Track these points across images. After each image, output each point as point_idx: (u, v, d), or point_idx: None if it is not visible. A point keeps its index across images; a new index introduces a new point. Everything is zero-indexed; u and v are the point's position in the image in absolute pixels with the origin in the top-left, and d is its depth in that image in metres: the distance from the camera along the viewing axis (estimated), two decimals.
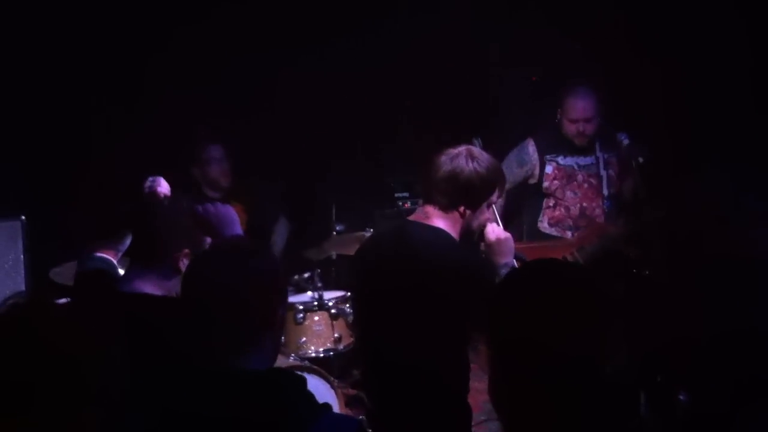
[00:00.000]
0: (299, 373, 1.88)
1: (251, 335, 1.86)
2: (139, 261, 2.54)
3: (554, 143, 4.37)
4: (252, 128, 5.13)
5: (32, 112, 4.58)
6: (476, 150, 2.82)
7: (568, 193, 4.38)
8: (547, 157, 4.38)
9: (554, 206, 4.43)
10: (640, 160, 4.08)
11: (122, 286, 2.52)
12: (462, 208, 2.77)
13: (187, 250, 2.47)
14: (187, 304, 1.92)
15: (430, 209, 2.80)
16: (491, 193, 2.82)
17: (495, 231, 2.88)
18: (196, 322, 1.88)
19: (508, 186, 4.27)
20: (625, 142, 4.17)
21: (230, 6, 4.96)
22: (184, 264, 2.46)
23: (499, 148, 4.34)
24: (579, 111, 4.27)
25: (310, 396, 1.79)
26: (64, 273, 3.62)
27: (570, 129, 4.31)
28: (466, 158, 2.76)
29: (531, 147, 4.39)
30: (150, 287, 2.47)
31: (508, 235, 2.90)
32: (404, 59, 5.21)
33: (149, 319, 2.37)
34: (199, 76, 5.00)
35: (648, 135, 4.37)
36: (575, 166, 4.38)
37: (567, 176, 4.37)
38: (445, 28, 5.10)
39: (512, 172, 4.30)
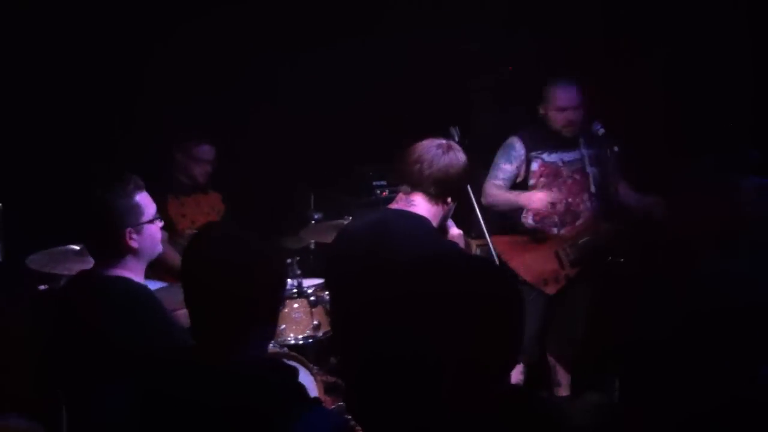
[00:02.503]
0: (287, 362, 1.90)
1: (239, 329, 1.86)
2: (93, 251, 2.59)
3: (539, 139, 4.37)
4: (231, 119, 5.14)
5: (9, 101, 4.55)
6: (453, 143, 2.97)
7: (554, 190, 4.35)
8: (533, 154, 4.36)
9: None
10: (615, 149, 4.15)
11: (91, 273, 2.57)
12: (449, 199, 2.90)
13: (129, 228, 2.50)
14: (189, 293, 1.90)
15: (418, 197, 2.88)
16: (466, 185, 3.01)
17: (454, 227, 3.04)
18: (197, 312, 1.88)
19: (501, 183, 4.35)
20: (600, 131, 4.22)
21: (216, 10, 4.95)
22: (134, 240, 2.51)
23: (474, 141, 4.40)
24: (567, 99, 4.29)
25: (301, 386, 1.81)
26: (40, 260, 3.61)
27: (558, 119, 4.31)
28: (455, 151, 2.91)
29: (518, 144, 4.38)
30: (117, 270, 2.52)
31: (461, 231, 3.08)
32: (383, 53, 5.23)
33: (120, 302, 2.41)
34: (180, 74, 4.99)
35: (624, 127, 4.41)
36: (560, 162, 4.37)
37: (553, 173, 4.36)
38: (422, 25, 5.13)
39: (502, 169, 4.37)
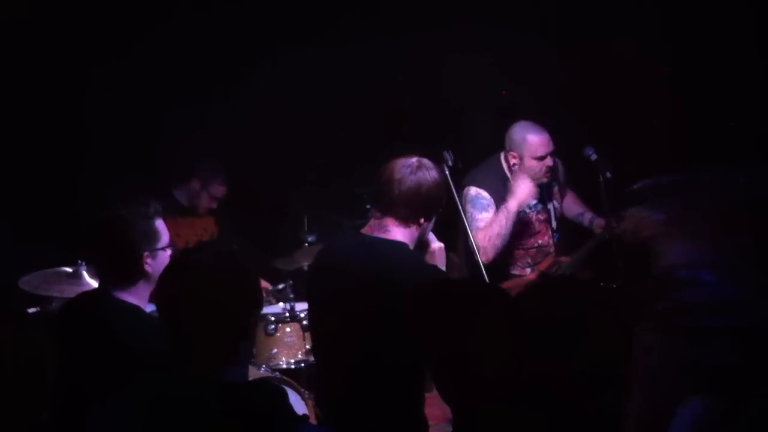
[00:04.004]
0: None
1: (230, 346, 1.87)
2: (105, 275, 2.57)
3: (501, 192, 4.15)
4: (226, 139, 5.15)
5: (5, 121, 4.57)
6: (425, 160, 2.80)
7: (525, 237, 4.27)
8: (500, 206, 4.10)
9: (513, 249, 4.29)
10: (608, 175, 4.10)
11: (101, 294, 2.56)
12: (422, 219, 2.76)
13: (146, 252, 2.50)
14: (165, 313, 1.91)
15: (389, 221, 2.73)
16: (443, 202, 2.86)
17: (435, 241, 2.89)
18: (174, 332, 1.89)
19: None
20: (593, 156, 4.19)
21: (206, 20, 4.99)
22: (148, 265, 2.50)
23: (468, 163, 4.42)
24: (545, 145, 4.13)
25: (289, 407, 1.81)
26: (33, 282, 3.60)
27: (536, 167, 4.13)
28: (425, 169, 2.76)
29: (483, 193, 4.17)
30: (125, 295, 2.52)
31: (442, 245, 2.92)
32: (377, 73, 5.25)
33: (128, 330, 2.40)
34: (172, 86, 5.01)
35: (616, 150, 4.43)
36: (526, 210, 4.23)
37: (521, 223, 4.20)
38: (416, 43, 5.16)
39: (480, 219, 4.10)
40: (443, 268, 2.89)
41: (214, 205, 4.89)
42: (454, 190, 3.65)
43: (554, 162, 4.25)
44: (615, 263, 4.12)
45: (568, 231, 4.53)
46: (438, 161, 2.96)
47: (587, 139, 4.32)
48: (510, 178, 4.18)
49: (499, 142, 4.38)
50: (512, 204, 4.04)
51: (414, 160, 2.77)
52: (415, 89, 5.39)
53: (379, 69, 5.22)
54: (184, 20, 4.92)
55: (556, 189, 4.43)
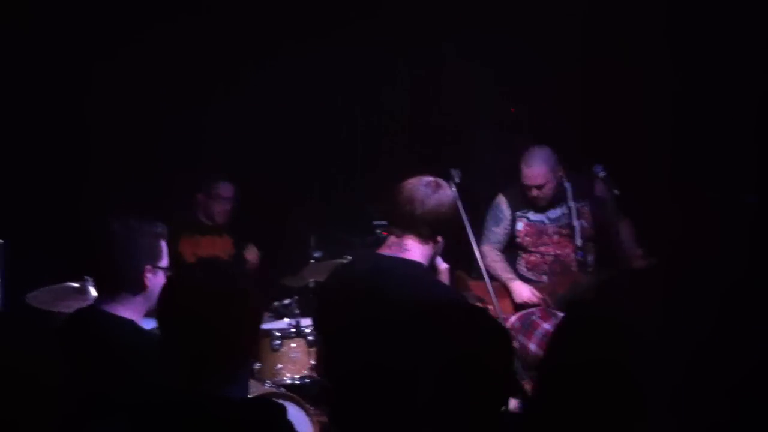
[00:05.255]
0: (278, 401, 1.90)
1: (226, 362, 1.87)
2: (105, 284, 2.57)
3: (524, 200, 4.47)
4: (234, 157, 5.18)
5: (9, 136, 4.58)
6: (439, 179, 2.86)
7: (541, 247, 4.51)
8: (518, 213, 4.50)
9: (530, 253, 4.54)
10: (616, 192, 4.16)
11: (96, 311, 2.54)
12: (439, 238, 2.80)
13: (149, 266, 2.51)
14: (166, 331, 1.92)
15: (410, 240, 2.77)
16: (456, 221, 2.98)
17: (441, 261, 2.97)
18: (173, 350, 1.89)
19: (498, 247, 4.50)
20: (601, 174, 4.23)
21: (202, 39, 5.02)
22: (148, 279, 2.50)
23: (473, 181, 4.43)
24: (530, 179, 4.38)
25: (290, 425, 1.81)
26: (40, 297, 3.60)
27: (526, 191, 4.42)
28: (443, 189, 2.81)
29: (504, 204, 4.51)
30: (121, 309, 2.51)
31: (447, 266, 3.03)
32: (385, 89, 5.27)
33: (126, 345, 2.40)
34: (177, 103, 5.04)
35: (625, 168, 4.44)
36: (546, 221, 4.50)
37: (538, 231, 4.50)
38: (426, 61, 5.18)
39: (493, 232, 4.49)
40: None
41: (228, 207, 4.88)
42: (461, 209, 3.68)
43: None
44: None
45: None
46: (445, 179, 2.99)
47: (596, 157, 4.34)
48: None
49: (501, 159, 4.61)
50: (510, 285, 4.42)
51: (431, 179, 2.83)
52: (418, 106, 5.41)
53: (381, 83, 5.25)
54: (182, 36, 4.94)
55: (587, 209, 4.48)
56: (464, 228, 3.82)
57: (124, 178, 4.88)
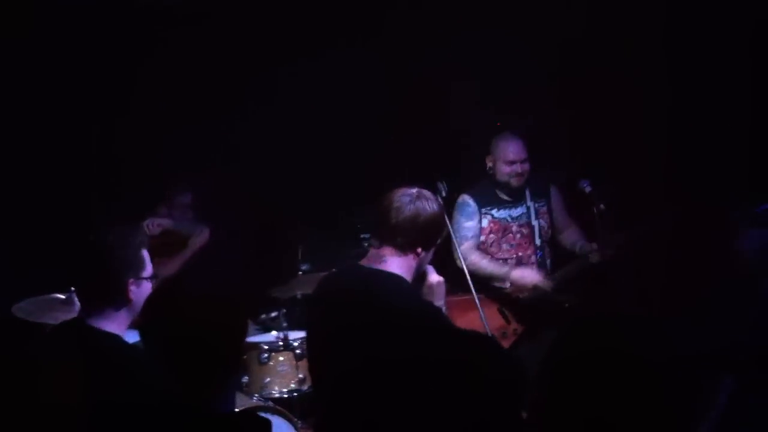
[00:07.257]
0: (263, 414, 1.90)
1: (211, 375, 1.87)
2: (88, 300, 2.56)
3: (488, 196, 4.50)
4: (221, 167, 5.17)
5: None
6: (425, 191, 2.86)
7: (504, 246, 4.51)
8: (483, 210, 4.50)
9: (491, 258, 4.49)
10: (602, 207, 4.18)
11: (80, 325, 2.53)
12: (419, 249, 2.78)
13: (132, 279, 2.50)
14: (149, 343, 1.91)
15: (387, 251, 2.76)
16: (442, 234, 2.90)
17: (433, 274, 2.91)
18: (157, 362, 1.88)
19: (473, 243, 4.43)
20: (588, 189, 4.27)
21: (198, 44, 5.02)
22: (132, 292, 2.50)
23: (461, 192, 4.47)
24: (516, 153, 4.41)
25: None
26: (26, 309, 3.58)
27: (506, 171, 4.42)
28: (424, 200, 2.80)
29: (470, 200, 4.49)
30: (106, 323, 2.50)
31: (442, 279, 2.94)
32: (372, 101, 5.28)
33: (110, 360, 2.39)
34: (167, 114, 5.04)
35: (610, 180, 4.46)
36: (509, 218, 4.51)
37: (502, 229, 4.51)
38: (414, 72, 5.19)
39: (466, 227, 4.45)
40: (441, 301, 2.89)
41: (190, 215, 4.92)
42: (449, 222, 3.67)
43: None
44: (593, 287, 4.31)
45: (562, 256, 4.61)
46: (432, 191, 2.98)
47: (582, 172, 4.38)
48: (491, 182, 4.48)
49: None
50: (510, 275, 4.35)
51: (414, 190, 2.82)
52: (411, 118, 5.42)
53: (380, 98, 5.26)
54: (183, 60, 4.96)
55: (545, 209, 4.57)
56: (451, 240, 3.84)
57: (110, 191, 4.88)
